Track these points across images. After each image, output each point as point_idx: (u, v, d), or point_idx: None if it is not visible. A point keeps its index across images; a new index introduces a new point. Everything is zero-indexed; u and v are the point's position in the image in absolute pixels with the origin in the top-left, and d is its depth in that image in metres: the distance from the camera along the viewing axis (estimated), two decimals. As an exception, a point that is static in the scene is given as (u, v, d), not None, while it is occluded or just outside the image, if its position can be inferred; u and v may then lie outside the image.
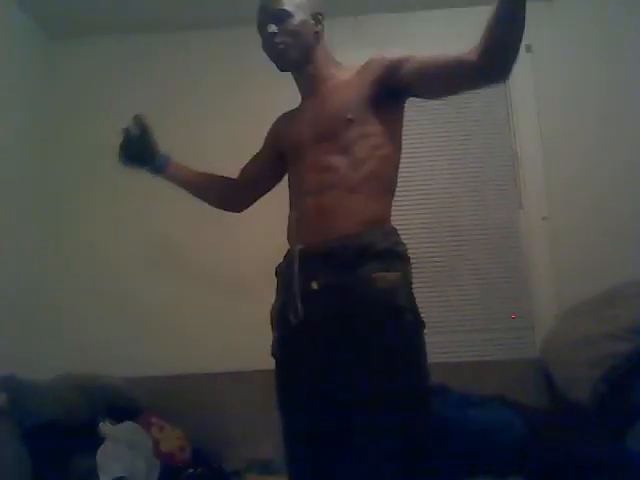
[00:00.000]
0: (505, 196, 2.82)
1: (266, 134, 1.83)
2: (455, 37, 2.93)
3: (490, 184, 2.83)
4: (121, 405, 2.32)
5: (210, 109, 2.95)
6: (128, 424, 2.18)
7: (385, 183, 1.52)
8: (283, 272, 1.52)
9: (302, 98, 1.69)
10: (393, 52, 1.56)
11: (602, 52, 2.84)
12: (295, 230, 1.52)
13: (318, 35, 1.61)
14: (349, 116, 1.46)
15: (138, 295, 2.81)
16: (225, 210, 1.91)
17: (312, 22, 1.58)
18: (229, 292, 2.76)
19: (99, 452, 2.03)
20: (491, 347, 2.68)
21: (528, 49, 2.86)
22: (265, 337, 2.82)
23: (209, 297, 2.77)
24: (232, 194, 1.86)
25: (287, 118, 1.74)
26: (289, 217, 1.58)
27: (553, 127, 2.81)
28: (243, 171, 1.86)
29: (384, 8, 2.91)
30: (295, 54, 1.55)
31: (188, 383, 2.56)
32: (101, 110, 3.00)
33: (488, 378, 2.40)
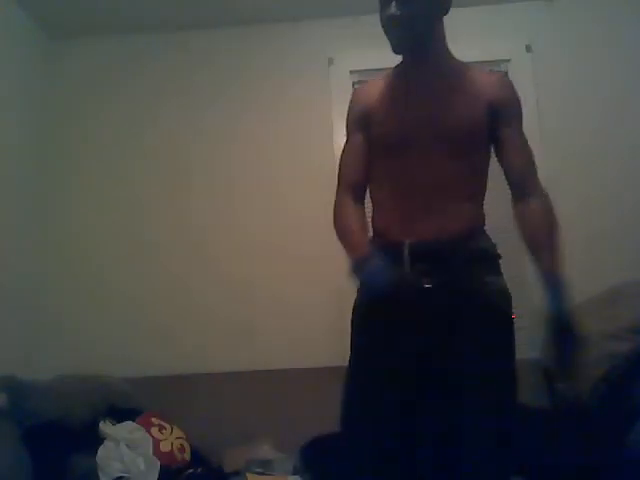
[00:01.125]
0: (505, 196, 2.81)
1: (352, 116, 1.62)
2: (455, 37, 2.94)
3: (490, 184, 2.81)
4: (121, 405, 2.32)
5: (210, 109, 2.95)
6: (128, 424, 2.18)
7: (483, 191, 1.58)
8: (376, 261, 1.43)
9: (406, 78, 1.56)
10: (507, 82, 1.63)
11: (602, 52, 2.84)
12: (397, 224, 1.47)
13: (437, 20, 1.54)
14: (473, 129, 1.48)
15: (138, 295, 2.81)
16: None
17: (433, 6, 1.51)
18: (229, 292, 2.76)
19: (99, 452, 2.03)
20: (491, 347, 2.68)
21: (528, 49, 2.86)
22: (265, 337, 2.83)
23: (209, 297, 2.77)
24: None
25: (380, 96, 1.57)
26: (383, 211, 1.52)
27: (553, 127, 2.81)
28: (355, 180, 1.59)
29: (384, 8, 2.91)
30: (412, 38, 1.49)
31: (188, 383, 2.56)
32: (101, 110, 3.00)
33: (488, 378, 2.39)
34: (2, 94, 2.64)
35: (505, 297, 1.53)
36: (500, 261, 1.57)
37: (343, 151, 1.63)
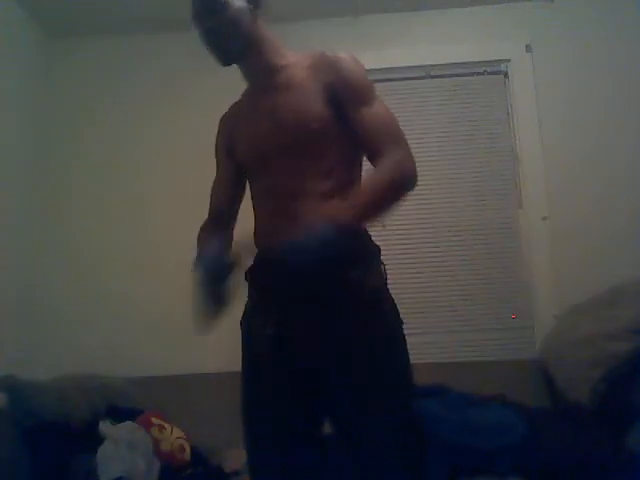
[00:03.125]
0: (505, 196, 2.82)
1: (216, 146, 1.68)
2: (455, 37, 2.95)
3: (490, 184, 2.83)
4: (121, 405, 2.31)
5: (210, 109, 2.94)
6: (128, 424, 2.18)
7: (355, 187, 1.45)
8: (254, 278, 1.47)
9: (250, 91, 1.58)
10: (341, 60, 1.46)
11: (602, 52, 2.84)
12: (264, 236, 1.46)
13: (258, 22, 1.52)
14: (314, 125, 1.39)
15: (138, 295, 2.81)
16: None
17: (250, 7, 1.49)
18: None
19: (99, 452, 2.02)
20: (491, 347, 2.68)
21: (528, 49, 2.87)
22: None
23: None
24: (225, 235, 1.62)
25: (236, 119, 1.60)
26: (257, 222, 1.51)
27: (553, 127, 2.81)
28: (217, 206, 1.67)
29: (384, 8, 2.92)
30: (237, 45, 1.46)
31: (188, 383, 2.56)
32: (101, 110, 3.00)
33: (488, 378, 2.40)
34: (2, 94, 2.64)
35: (380, 295, 1.38)
36: (377, 260, 1.42)
37: (214, 180, 1.67)
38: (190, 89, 3.00)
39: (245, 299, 1.52)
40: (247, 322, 1.51)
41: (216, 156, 1.68)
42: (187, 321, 2.82)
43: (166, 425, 2.28)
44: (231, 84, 3.26)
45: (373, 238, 1.46)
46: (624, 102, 2.80)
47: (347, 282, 1.34)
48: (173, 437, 2.26)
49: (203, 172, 2.93)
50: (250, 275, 1.48)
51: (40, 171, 2.90)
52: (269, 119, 1.45)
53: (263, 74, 1.50)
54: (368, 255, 1.42)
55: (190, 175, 2.91)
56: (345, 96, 1.40)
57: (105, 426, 2.13)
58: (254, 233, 1.51)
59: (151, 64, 3.04)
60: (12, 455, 1.96)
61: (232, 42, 1.45)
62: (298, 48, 3.20)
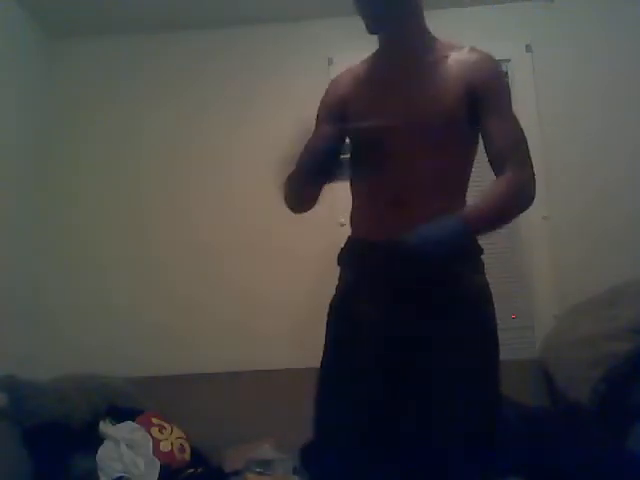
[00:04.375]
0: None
1: (320, 108, 1.57)
2: (455, 37, 2.94)
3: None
4: (121, 405, 2.31)
5: (210, 108, 2.95)
6: (128, 424, 2.18)
7: (465, 187, 1.51)
8: (357, 262, 1.42)
9: (382, 62, 1.51)
10: (488, 62, 1.43)
11: (602, 52, 2.84)
12: (373, 221, 1.42)
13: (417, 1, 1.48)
14: (446, 120, 1.39)
15: (138, 295, 2.81)
16: (302, 207, 1.61)
17: None
18: (230, 292, 2.76)
19: (99, 452, 2.03)
20: (491, 347, 2.68)
21: (528, 49, 2.87)
22: (265, 337, 2.83)
23: (209, 297, 2.77)
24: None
25: (357, 85, 1.51)
26: (360, 203, 1.48)
27: (553, 127, 2.81)
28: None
29: (384, 8, 2.91)
30: (393, 10, 1.42)
31: (188, 383, 2.56)
32: (101, 109, 3.00)
33: (488, 378, 2.39)
34: (2, 94, 2.64)
35: (483, 295, 1.41)
36: (482, 258, 1.46)
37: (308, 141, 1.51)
38: (190, 89, 3.00)
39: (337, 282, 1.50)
40: (342, 305, 1.46)
41: (318, 115, 1.57)
42: (188, 321, 2.84)
43: (166, 425, 2.28)
44: (231, 84, 3.25)
45: None
46: (624, 102, 2.80)
47: (457, 276, 1.37)
48: (173, 437, 2.26)
49: (203, 172, 2.95)
50: (348, 257, 1.46)
51: (40, 171, 2.90)
52: (402, 99, 1.41)
53: (405, 49, 1.46)
54: (476, 253, 1.44)
55: (190, 175, 2.92)
56: (483, 100, 1.39)
57: (105, 426, 2.13)
58: (352, 213, 1.50)
59: (151, 64, 3.04)
60: (12, 455, 1.96)
61: (388, 7, 1.42)
62: (299, 48, 3.20)
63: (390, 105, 1.41)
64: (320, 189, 1.51)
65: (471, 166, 1.51)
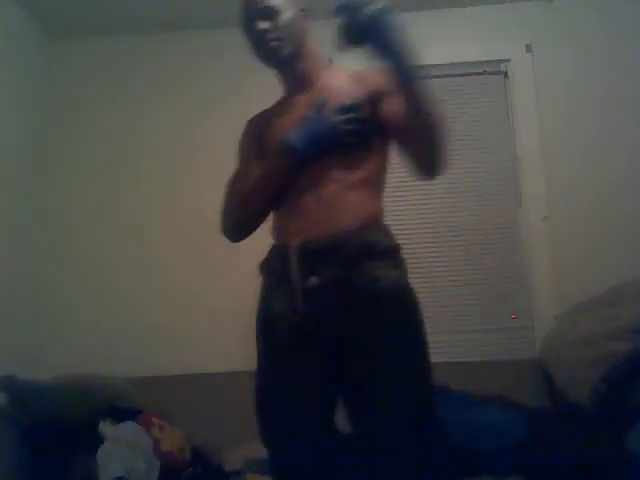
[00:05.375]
0: (505, 196, 2.82)
1: (241, 147, 1.71)
2: (455, 37, 2.95)
3: (490, 184, 2.83)
4: (121, 405, 2.31)
5: (210, 108, 2.95)
6: (128, 424, 2.18)
7: (380, 184, 1.52)
8: (276, 268, 1.46)
9: (287, 96, 1.63)
10: (379, 76, 1.47)
11: (602, 52, 2.84)
12: (289, 225, 1.47)
13: (306, 31, 1.58)
14: None
15: (138, 295, 2.81)
16: (245, 231, 1.62)
17: (299, 17, 1.55)
18: (230, 292, 2.76)
19: (99, 452, 2.02)
20: (491, 347, 2.68)
21: (528, 49, 2.87)
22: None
23: (209, 297, 2.77)
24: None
25: (269, 119, 1.62)
26: (280, 215, 1.53)
27: (553, 127, 2.81)
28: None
29: (384, 8, 2.91)
30: (288, 50, 1.51)
31: (188, 383, 2.56)
32: (101, 109, 3.00)
33: (488, 378, 2.40)
34: (2, 93, 2.65)
35: (400, 290, 1.40)
36: (401, 257, 1.47)
37: (234, 176, 1.65)
38: (190, 89, 3.00)
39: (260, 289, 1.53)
40: (266, 310, 1.48)
41: (240, 155, 1.69)
42: (187, 321, 2.84)
43: (166, 425, 2.28)
44: (231, 84, 3.26)
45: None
46: (624, 102, 2.80)
47: (369, 272, 1.36)
48: (173, 437, 2.26)
49: (203, 172, 2.95)
50: (269, 265, 1.50)
51: (40, 171, 2.90)
52: (302, 114, 1.48)
53: (304, 80, 1.56)
54: (391, 248, 1.45)
55: (190, 175, 2.92)
56: (382, 98, 1.46)
57: (105, 426, 2.13)
58: (273, 227, 1.54)
59: (151, 64, 3.04)
60: (12, 455, 1.96)
61: (284, 46, 1.51)
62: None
63: (298, 121, 1.49)
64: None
65: (384, 169, 1.54)
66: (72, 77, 3.06)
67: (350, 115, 1.42)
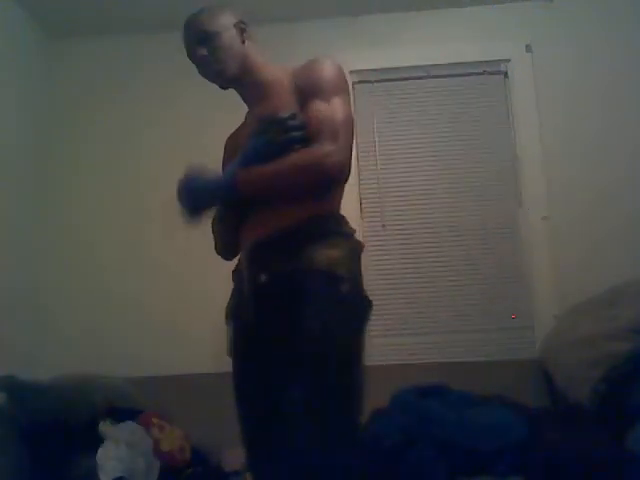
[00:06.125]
0: (505, 196, 2.83)
1: (222, 162, 1.73)
2: (455, 37, 2.95)
3: (490, 184, 2.83)
4: (121, 405, 2.31)
5: (210, 108, 2.95)
6: (128, 424, 2.18)
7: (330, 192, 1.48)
8: (237, 273, 1.53)
9: (249, 111, 1.65)
10: (314, 62, 1.47)
11: (602, 52, 2.84)
12: (245, 231, 1.51)
13: (247, 43, 1.59)
14: None
15: (138, 295, 2.81)
16: (229, 254, 1.67)
17: (237, 32, 1.56)
18: (229, 292, 2.75)
19: (99, 452, 2.02)
20: (491, 347, 2.68)
21: (528, 49, 2.87)
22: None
23: (210, 297, 2.77)
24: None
25: (234, 138, 1.69)
26: (242, 222, 1.55)
27: (553, 127, 2.81)
28: None
29: (384, 8, 2.92)
30: (233, 69, 1.53)
31: (188, 383, 2.56)
32: (101, 109, 3.00)
33: (488, 378, 2.40)
34: (2, 93, 2.65)
35: (335, 264, 1.37)
36: (346, 238, 1.44)
37: None
38: (190, 89, 2.99)
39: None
40: (230, 311, 1.58)
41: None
42: (188, 321, 2.84)
43: (166, 425, 2.28)
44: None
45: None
46: (624, 102, 2.80)
47: (309, 259, 1.36)
48: (173, 437, 2.26)
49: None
50: (235, 271, 1.57)
51: (40, 171, 2.90)
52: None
53: (255, 94, 1.56)
54: (338, 235, 1.43)
55: (190, 175, 2.92)
56: (306, 92, 1.43)
57: (105, 426, 2.13)
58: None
59: (151, 64, 3.04)
60: (12, 455, 1.96)
61: (227, 68, 1.53)
62: (298, 48, 3.22)
63: (242, 140, 1.52)
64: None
65: None
66: (72, 77, 3.06)
67: (288, 125, 1.38)
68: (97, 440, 2.07)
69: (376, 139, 2.86)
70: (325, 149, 1.34)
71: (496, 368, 2.51)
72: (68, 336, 2.75)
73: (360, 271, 1.46)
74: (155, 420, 2.27)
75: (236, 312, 1.52)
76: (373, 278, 2.73)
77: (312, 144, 1.36)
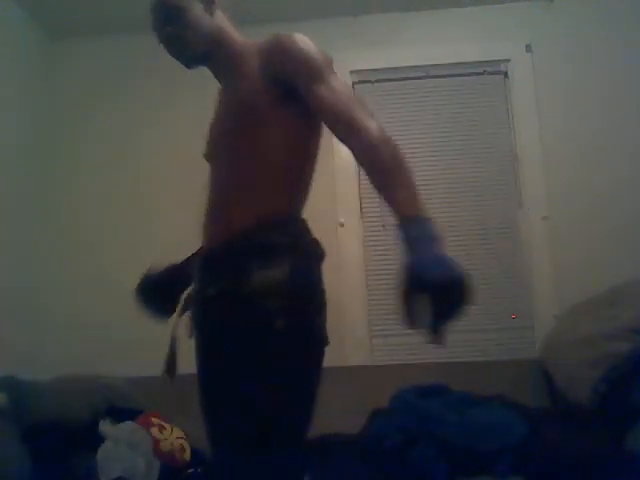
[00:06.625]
0: (505, 196, 2.82)
1: None
2: (455, 37, 2.95)
3: (490, 184, 2.83)
4: (121, 405, 2.31)
5: (210, 108, 2.94)
6: (128, 424, 2.18)
7: (285, 173, 1.30)
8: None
9: (221, 88, 1.53)
10: (286, 40, 1.28)
11: (602, 52, 2.84)
12: (200, 236, 1.42)
13: (217, 14, 1.46)
14: (248, 117, 1.29)
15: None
16: None
17: (204, 6, 1.43)
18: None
19: (99, 452, 2.02)
20: (491, 347, 2.68)
21: (528, 49, 2.87)
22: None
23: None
24: None
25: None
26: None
27: (553, 127, 2.81)
28: None
29: (384, 8, 2.92)
30: (202, 46, 1.42)
31: (188, 383, 2.55)
32: (101, 109, 3.00)
33: (488, 378, 2.40)
34: (2, 94, 2.65)
35: (267, 292, 1.15)
36: (294, 252, 1.21)
37: None
38: (190, 89, 2.99)
39: None
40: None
41: None
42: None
43: (166, 425, 2.28)
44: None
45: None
46: (624, 102, 2.80)
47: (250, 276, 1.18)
48: (173, 437, 2.26)
49: (204, 171, 2.94)
50: None
51: (40, 171, 2.90)
52: (214, 117, 1.46)
53: (227, 68, 1.43)
54: (282, 248, 1.22)
55: (190, 174, 2.91)
56: (293, 77, 1.25)
57: (105, 426, 2.13)
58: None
59: (151, 64, 3.03)
60: (12, 455, 1.96)
61: (193, 47, 1.43)
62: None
63: (211, 127, 1.48)
64: None
65: (301, 155, 1.33)
66: (72, 77, 3.06)
67: None
68: (97, 440, 2.07)
69: (376, 139, 2.86)
70: (370, 135, 1.13)
71: (496, 368, 2.50)
72: (68, 336, 2.75)
73: (313, 298, 1.23)
74: (155, 420, 2.27)
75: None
76: (373, 278, 2.73)
77: (345, 136, 1.18)
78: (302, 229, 1.30)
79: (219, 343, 1.25)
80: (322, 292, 1.26)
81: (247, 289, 1.17)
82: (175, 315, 1.47)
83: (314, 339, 1.22)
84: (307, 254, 1.25)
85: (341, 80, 1.26)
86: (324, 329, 1.25)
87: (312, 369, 1.22)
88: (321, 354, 1.24)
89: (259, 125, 1.29)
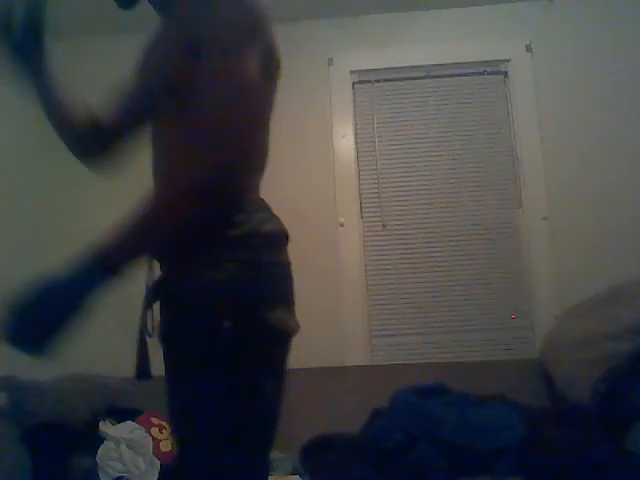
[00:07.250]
0: (505, 196, 2.83)
1: None
2: (455, 37, 2.95)
3: (490, 184, 2.83)
4: (121, 405, 2.31)
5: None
6: (128, 424, 2.18)
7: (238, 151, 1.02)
8: None
9: (161, 21, 1.36)
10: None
11: (602, 52, 2.84)
12: None
13: None
14: (162, 86, 1.15)
15: (138, 295, 2.80)
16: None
17: None
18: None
19: (99, 452, 2.03)
20: (491, 347, 2.68)
21: (528, 49, 2.87)
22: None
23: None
24: None
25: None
26: None
27: (553, 127, 2.81)
28: None
29: (384, 8, 2.92)
30: None
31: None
32: (100, 109, 3.00)
33: (488, 378, 2.40)
34: (2, 93, 2.64)
35: (216, 287, 1.07)
36: (254, 241, 1.11)
37: None
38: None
39: None
40: None
41: None
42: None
43: (166, 425, 2.28)
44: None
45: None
46: (624, 102, 2.79)
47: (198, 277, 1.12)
48: (173, 437, 2.26)
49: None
50: None
51: (41, 171, 2.90)
52: None
53: (163, 20, 1.26)
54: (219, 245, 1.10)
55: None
56: (196, 46, 1.06)
57: (105, 426, 2.13)
58: None
59: (151, 64, 3.04)
60: (12, 455, 1.96)
61: None
62: (298, 48, 3.21)
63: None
64: None
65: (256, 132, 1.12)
66: (72, 77, 3.05)
67: None
68: (97, 440, 2.07)
69: (376, 139, 2.86)
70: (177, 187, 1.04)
71: (496, 368, 2.50)
72: (68, 336, 2.74)
73: (268, 302, 1.12)
74: (155, 420, 2.27)
75: None
76: (373, 278, 2.73)
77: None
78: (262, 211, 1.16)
79: (180, 345, 1.18)
80: (283, 280, 1.17)
81: (194, 287, 1.10)
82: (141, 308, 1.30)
83: (271, 334, 1.12)
84: (263, 253, 1.13)
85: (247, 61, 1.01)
86: (286, 319, 1.16)
87: (273, 366, 1.14)
88: (282, 348, 1.17)
89: (176, 101, 1.13)
